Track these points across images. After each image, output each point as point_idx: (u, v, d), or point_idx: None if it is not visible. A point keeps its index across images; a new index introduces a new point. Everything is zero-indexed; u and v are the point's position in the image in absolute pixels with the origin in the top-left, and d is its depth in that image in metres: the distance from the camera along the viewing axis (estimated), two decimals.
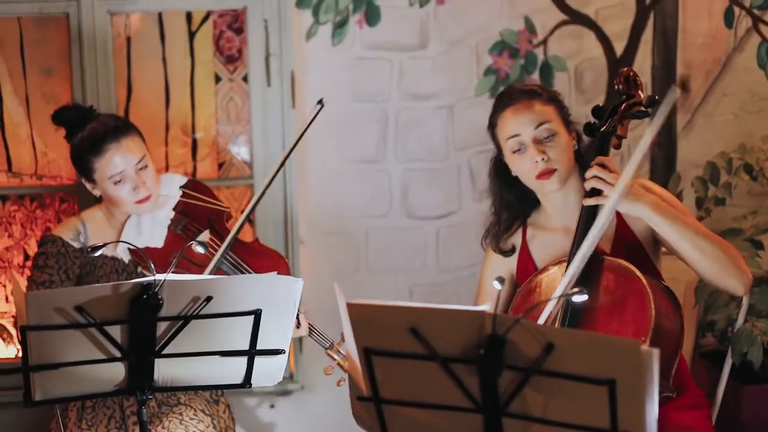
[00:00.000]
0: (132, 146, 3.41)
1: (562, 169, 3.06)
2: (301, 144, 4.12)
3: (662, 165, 4.29)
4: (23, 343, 2.61)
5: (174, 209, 3.53)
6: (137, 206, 3.44)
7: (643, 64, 4.26)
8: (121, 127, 3.43)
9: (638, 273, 2.91)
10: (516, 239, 3.24)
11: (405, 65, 4.19)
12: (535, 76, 4.22)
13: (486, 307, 2.16)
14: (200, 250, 2.84)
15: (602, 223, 2.84)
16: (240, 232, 3.34)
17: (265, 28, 4.10)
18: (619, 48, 4.27)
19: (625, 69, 3.15)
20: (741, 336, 3.70)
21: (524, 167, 3.08)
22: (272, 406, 4.27)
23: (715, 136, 4.27)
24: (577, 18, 4.24)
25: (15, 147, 4.17)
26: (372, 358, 2.30)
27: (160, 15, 4.15)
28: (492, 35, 4.20)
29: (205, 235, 3.49)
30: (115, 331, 2.65)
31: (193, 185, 3.61)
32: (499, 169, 3.21)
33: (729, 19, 4.27)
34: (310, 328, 3.42)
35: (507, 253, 3.24)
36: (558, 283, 2.95)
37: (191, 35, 4.18)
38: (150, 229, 3.47)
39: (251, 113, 4.14)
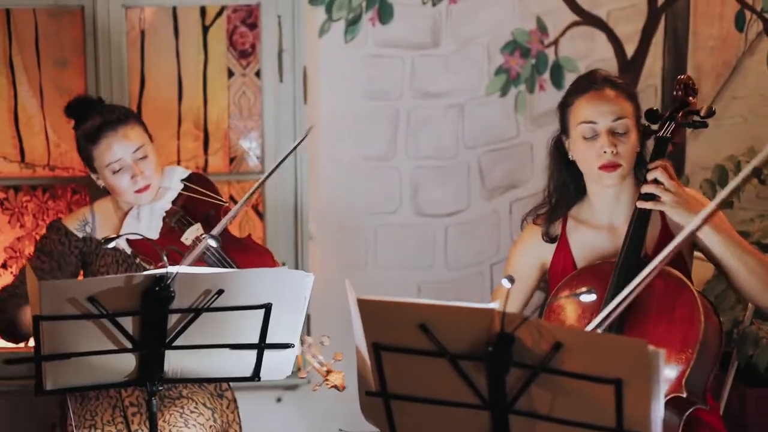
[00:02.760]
0: (130, 134, 3.42)
1: (626, 167, 3.03)
2: (313, 140, 4.15)
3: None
4: (36, 332, 2.63)
5: (174, 202, 3.53)
6: (137, 196, 3.44)
7: (653, 66, 4.28)
8: (120, 117, 3.44)
9: (689, 283, 2.90)
10: (557, 228, 3.20)
11: (417, 63, 4.21)
12: (546, 77, 4.24)
13: (495, 304, 2.18)
14: (213, 243, 2.86)
15: (660, 259, 2.72)
16: (244, 227, 3.34)
17: (278, 23, 4.12)
18: (630, 50, 4.28)
19: (684, 76, 3.14)
20: (747, 338, 3.72)
21: (590, 155, 3.03)
22: (279, 400, 4.29)
23: (724, 139, 4.28)
24: (588, 19, 4.25)
25: (28, 138, 4.20)
26: (381, 354, 2.32)
27: (174, 9, 4.17)
28: (504, 35, 4.22)
29: (196, 229, 3.47)
30: (127, 322, 2.68)
31: (196, 179, 3.59)
32: (559, 149, 3.15)
33: (740, 22, 4.28)
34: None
35: (553, 239, 3.17)
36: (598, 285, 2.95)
37: (205, 30, 4.20)
38: (148, 220, 3.48)
39: (263, 108, 4.16)
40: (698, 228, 2.80)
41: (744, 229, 4.04)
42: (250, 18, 4.20)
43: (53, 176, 4.20)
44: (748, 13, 4.28)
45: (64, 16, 4.14)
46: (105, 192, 3.81)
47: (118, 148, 3.40)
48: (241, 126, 4.26)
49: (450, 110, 4.23)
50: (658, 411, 2.14)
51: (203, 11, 4.19)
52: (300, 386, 4.25)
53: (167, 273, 2.62)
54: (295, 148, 3.25)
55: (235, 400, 3.61)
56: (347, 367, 3.11)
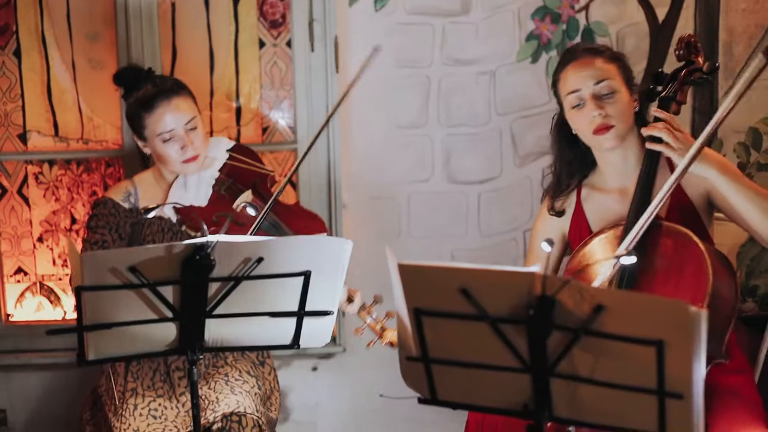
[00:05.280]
0: (182, 106, 3.48)
1: (621, 127, 3.08)
2: (345, 109, 4.16)
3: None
4: (78, 303, 2.66)
5: (220, 171, 3.59)
6: (184, 166, 3.50)
7: (685, 30, 4.24)
8: (173, 88, 3.52)
9: (696, 239, 2.91)
10: (570, 200, 3.26)
11: (447, 30, 4.20)
12: (577, 42, 4.22)
13: (536, 267, 2.19)
14: (251, 212, 2.88)
15: (669, 186, 2.84)
16: (282, 196, 3.39)
17: None
18: (661, 13, 4.26)
19: (686, 35, 3.17)
20: None
21: (582, 122, 3.10)
22: (314, 369, 4.31)
23: (758, 102, 4.26)
24: None
25: (62, 112, 4.22)
26: (422, 319, 2.34)
27: None
28: (534, 0, 4.20)
29: (247, 195, 3.55)
30: (168, 291, 2.69)
31: (240, 149, 3.67)
32: (561, 127, 3.23)
33: None
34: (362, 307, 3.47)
35: (558, 213, 3.26)
36: (612, 247, 2.96)
37: (235, 1, 4.21)
38: (195, 188, 3.54)
39: (295, 78, 4.17)
40: (701, 148, 2.83)
41: None
42: None
43: (87, 149, 4.22)
44: None
45: None
46: (138, 164, 3.84)
47: (171, 119, 3.47)
48: (273, 96, 4.26)
49: (481, 77, 4.23)
50: (701, 371, 2.15)
51: None
52: (335, 355, 4.28)
53: (207, 242, 2.64)
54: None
55: (274, 368, 3.65)
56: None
